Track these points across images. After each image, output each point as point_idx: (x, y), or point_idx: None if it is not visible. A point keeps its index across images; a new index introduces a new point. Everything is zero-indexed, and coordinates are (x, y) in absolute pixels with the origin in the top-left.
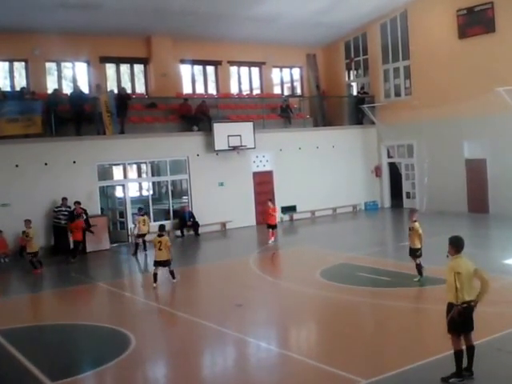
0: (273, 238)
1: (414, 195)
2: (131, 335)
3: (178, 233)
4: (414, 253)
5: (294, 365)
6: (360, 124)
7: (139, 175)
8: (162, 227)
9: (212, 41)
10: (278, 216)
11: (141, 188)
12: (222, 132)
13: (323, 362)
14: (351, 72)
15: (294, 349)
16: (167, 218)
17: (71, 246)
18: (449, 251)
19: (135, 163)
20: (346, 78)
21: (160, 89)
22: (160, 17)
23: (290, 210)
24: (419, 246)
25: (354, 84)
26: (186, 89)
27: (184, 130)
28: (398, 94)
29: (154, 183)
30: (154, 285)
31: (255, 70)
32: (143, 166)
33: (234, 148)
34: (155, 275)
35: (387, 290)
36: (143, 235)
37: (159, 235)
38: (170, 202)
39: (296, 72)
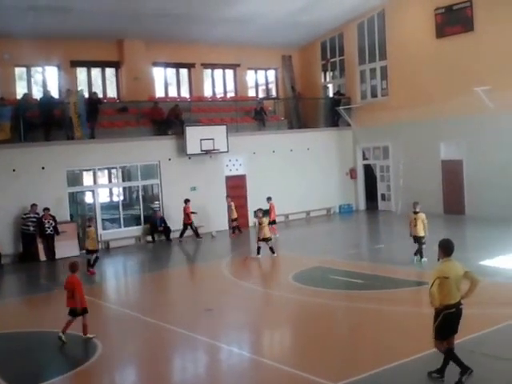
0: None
1: (389, 197)
2: (98, 342)
3: (149, 238)
4: (420, 240)
5: (266, 370)
6: (335, 126)
7: (110, 180)
8: (89, 219)
9: (185, 43)
10: (251, 220)
11: (111, 194)
12: (195, 136)
13: (295, 367)
14: (327, 73)
15: (266, 354)
16: (138, 224)
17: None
18: (438, 254)
19: (106, 168)
20: (322, 80)
21: (132, 92)
22: (132, 19)
23: (256, 216)
24: (423, 234)
25: (330, 85)
26: (159, 92)
27: (156, 134)
28: (374, 95)
29: (124, 188)
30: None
31: (229, 73)
32: (114, 171)
33: (207, 152)
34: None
35: (360, 292)
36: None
37: (88, 226)
38: (141, 207)
39: (271, 74)
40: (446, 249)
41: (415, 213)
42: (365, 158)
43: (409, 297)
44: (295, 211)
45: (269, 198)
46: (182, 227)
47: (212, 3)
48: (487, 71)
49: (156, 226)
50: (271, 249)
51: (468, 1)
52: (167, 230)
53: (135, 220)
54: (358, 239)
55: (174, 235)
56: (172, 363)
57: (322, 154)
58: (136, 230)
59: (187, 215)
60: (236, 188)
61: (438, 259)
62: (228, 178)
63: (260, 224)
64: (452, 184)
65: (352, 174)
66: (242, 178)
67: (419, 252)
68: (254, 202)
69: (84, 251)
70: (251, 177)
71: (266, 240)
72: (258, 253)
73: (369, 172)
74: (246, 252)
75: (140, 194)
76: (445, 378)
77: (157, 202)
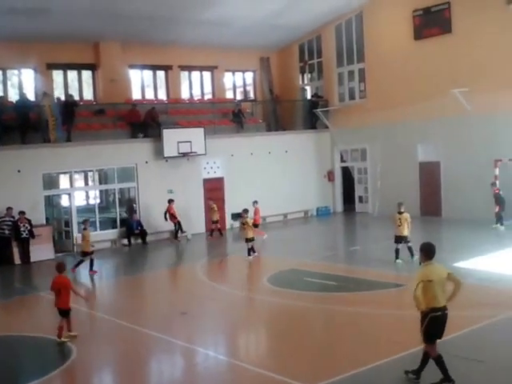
0: (263, 234)
1: (366, 199)
2: (73, 346)
3: (125, 241)
4: (404, 239)
5: (242, 373)
6: (313, 128)
7: (86, 183)
8: (85, 221)
9: (162, 45)
10: (228, 223)
11: (88, 197)
12: (172, 138)
13: (271, 370)
14: (305, 75)
15: (242, 357)
16: (114, 227)
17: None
18: (420, 258)
19: (82, 171)
20: (300, 82)
21: (109, 95)
22: (109, 21)
23: (240, 216)
24: (407, 234)
25: (307, 88)
26: (136, 94)
27: (133, 136)
28: (352, 98)
29: (101, 191)
30: None
31: (207, 75)
32: (90, 174)
33: (184, 154)
34: None
35: (335, 294)
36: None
37: (84, 228)
38: (118, 210)
39: (249, 76)
40: (428, 252)
41: (400, 213)
42: (342, 161)
43: (383, 299)
44: (273, 214)
45: (255, 202)
46: (173, 228)
47: (189, 5)
48: (465, 73)
49: (132, 229)
50: (251, 250)
51: (446, 3)
52: (143, 234)
53: (111, 223)
54: (335, 241)
55: (150, 238)
56: (147, 367)
57: (300, 156)
58: (112, 233)
59: (172, 215)
60: (214, 190)
61: (420, 263)
62: (206, 181)
63: (244, 224)
64: (429, 186)
65: (330, 176)
66: (219, 180)
67: (410, 251)
68: (232, 205)
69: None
70: (229, 179)
71: (249, 240)
72: (249, 254)
73: (346, 174)
74: (222, 254)
75: (116, 196)
76: (420, 380)
77: (133, 205)
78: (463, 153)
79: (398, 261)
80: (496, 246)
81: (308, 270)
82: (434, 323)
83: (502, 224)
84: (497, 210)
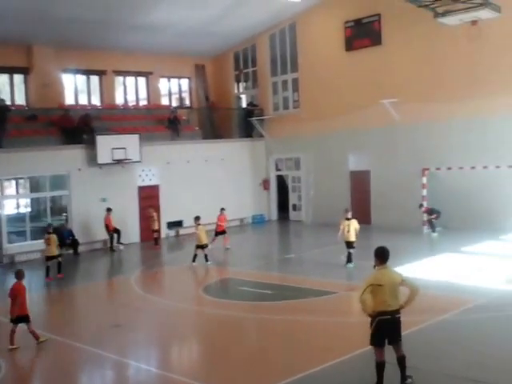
0: (227, 243)
1: (300, 207)
2: (1, 361)
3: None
4: (352, 245)
5: None
6: (249, 137)
7: (17, 191)
8: (49, 225)
9: (97, 50)
10: (164, 232)
11: (18, 205)
12: (106, 145)
13: (204, 381)
14: (240, 84)
15: (175, 369)
16: None
17: None
18: (375, 262)
19: (13, 179)
20: (236, 90)
21: (41, 100)
22: (42, 25)
23: (176, 225)
24: (355, 239)
25: (243, 96)
26: (69, 99)
27: (66, 142)
28: (286, 107)
29: (32, 200)
30: None
31: (142, 81)
32: (22, 182)
33: (119, 161)
34: None
35: (270, 303)
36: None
37: (48, 232)
38: (49, 219)
39: (184, 83)
40: (381, 256)
41: (348, 219)
42: (277, 169)
43: (317, 306)
44: (209, 222)
45: (222, 209)
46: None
47: (124, 10)
48: (394, 84)
49: (64, 238)
50: (205, 256)
51: (376, 15)
52: (75, 244)
53: (43, 233)
54: (270, 249)
55: (82, 249)
56: (79, 381)
57: (236, 164)
58: (43, 244)
59: (107, 225)
60: (149, 198)
61: (374, 266)
62: (141, 189)
63: (196, 231)
64: (359, 194)
65: (265, 184)
66: (155, 188)
67: (348, 257)
68: (168, 213)
69: None
70: (165, 187)
71: (203, 247)
72: (194, 260)
73: (281, 183)
74: (157, 264)
75: (48, 205)
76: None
77: (65, 214)
78: (392, 162)
79: (349, 265)
80: (426, 253)
81: (243, 278)
82: (381, 327)
83: (434, 231)
84: (432, 217)
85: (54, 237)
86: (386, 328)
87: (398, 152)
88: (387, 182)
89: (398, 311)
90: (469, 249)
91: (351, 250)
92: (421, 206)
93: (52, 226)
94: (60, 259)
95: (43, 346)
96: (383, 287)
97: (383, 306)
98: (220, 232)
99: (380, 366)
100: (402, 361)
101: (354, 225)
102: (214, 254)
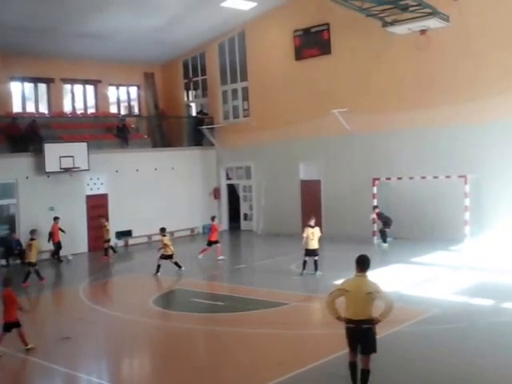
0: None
1: (251, 217)
2: None
3: (3, 262)
4: (315, 252)
5: None
6: (199, 145)
7: None
8: (32, 231)
9: (44, 57)
10: (112, 241)
11: None
12: (54, 153)
13: None
14: (190, 92)
15: (125, 381)
16: None
17: None
18: (356, 269)
19: None
20: (185, 98)
21: None
22: None
23: (124, 234)
24: (317, 247)
25: (193, 104)
26: (16, 107)
27: (13, 151)
28: (236, 116)
29: None
30: None
31: (90, 88)
32: None
33: (67, 170)
34: None
35: (221, 315)
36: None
37: (31, 238)
38: None
39: (133, 91)
40: (360, 264)
41: (311, 227)
42: (228, 178)
43: (269, 318)
44: (159, 232)
45: (212, 218)
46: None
47: (71, 17)
48: (344, 93)
49: (11, 248)
50: (176, 263)
51: (325, 24)
52: (23, 253)
53: None
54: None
55: None
56: None
57: (186, 173)
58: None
59: (53, 234)
60: (97, 207)
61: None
62: (89, 198)
63: (162, 242)
64: (310, 204)
65: (215, 193)
66: (103, 197)
67: (315, 265)
68: (117, 222)
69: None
70: (113, 196)
71: (170, 257)
72: (157, 271)
73: (232, 192)
74: (107, 275)
75: None
76: None
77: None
78: (343, 171)
79: (304, 272)
80: (377, 264)
81: (194, 289)
82: (346, 333)
83: (385, 241)
84: (382, 227)
85: (36, 243)
86: (351, 336)
87: (349, 162)
88: (338, 192)
89: (365, 321)
90: (419, 259)
91: (316, 258)
92: (375, 207)
93: (36, 231)
94: (36, 267)
95: None
96: (349, 293)
97: (348, 312)
98: (213, 242)
99: (350, 366)
100: (363, 375)
101: (318, 232)
102: (165, 263)
